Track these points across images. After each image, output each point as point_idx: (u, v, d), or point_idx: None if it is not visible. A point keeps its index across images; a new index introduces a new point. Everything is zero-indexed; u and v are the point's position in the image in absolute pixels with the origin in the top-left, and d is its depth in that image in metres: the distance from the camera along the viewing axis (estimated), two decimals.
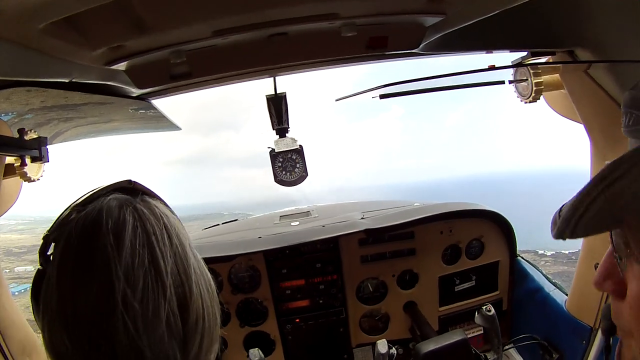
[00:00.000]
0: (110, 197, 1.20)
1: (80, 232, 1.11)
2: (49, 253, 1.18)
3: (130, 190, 1.27)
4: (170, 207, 1.32)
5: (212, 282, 1.29)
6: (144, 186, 1.30)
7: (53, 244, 1.16)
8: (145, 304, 1.05)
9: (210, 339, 1.21)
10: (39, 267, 1.20)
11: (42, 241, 1.19)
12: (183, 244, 1.20)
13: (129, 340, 1.03)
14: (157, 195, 1.31)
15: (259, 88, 2.56)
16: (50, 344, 1.09)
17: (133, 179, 1.31)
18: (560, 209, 1.04)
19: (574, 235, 1.02)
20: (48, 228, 1.21)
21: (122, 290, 1.03)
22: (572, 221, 0.99)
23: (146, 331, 1.04)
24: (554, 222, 1.05)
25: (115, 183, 1.28)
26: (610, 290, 1.10)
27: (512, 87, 2.78)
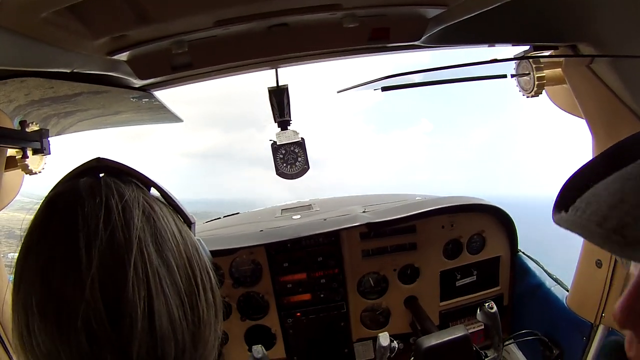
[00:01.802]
0: (69, 182, 1.06)
1: (32, 221, 1.02)
2: None
3: (103, 169, 1.09)
4: (153, 181, 1.13)
5: (200, 278, 1.07)
6: (115, 162, 1.11)
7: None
8: (60, 309, 0.90)
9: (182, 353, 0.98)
10: None
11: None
12: (129, 224, 0.96)
13: (48, 354, 0.91)
14: (132, 171, 1.11)
15: (264, 80, 2.57)
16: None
17: (103, 157, 1.11)
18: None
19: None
20: None
21: (39, 294, 0.93)
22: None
23: (61, 341, 0.90)
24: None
25: (82, 164, 1.11)
26: None
27: (514, 81, 2.78)
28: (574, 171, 0.93)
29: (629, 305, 0.86)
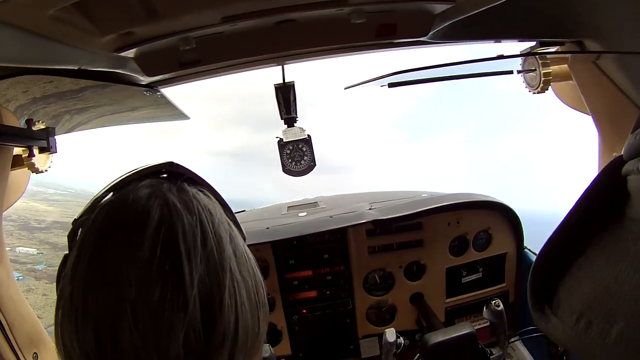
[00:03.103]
0: (144, 183, 1.07)
1: (99, 224, 1.01)
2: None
3: (171, 174, 1.13)
4: (220, 196, 1.17)
5: (261, 290, 1.12)
6: (187, 170, 1.15)
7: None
8: (159, 318, 0.91)
9: (244, 355, 1.04)
10: (66, 252, 1.10)
11: (71, 226, 1.10)
12: (222, 246, 1.01)
13: (136, 355, 0.91)
14: (202, 182, 1.16)
15: (272, 78, 2.59)
16: (60, 340, 1.00)
17: (176, 162, 1.15)
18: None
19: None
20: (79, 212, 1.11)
21: (133, 299, 0.91)
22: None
23: (157, 349, 0.91)
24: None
25: (155, 165, 1.14)
26: None
27: (521, 77, 2.78)
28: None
29: None
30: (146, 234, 0.96)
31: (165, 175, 1.13)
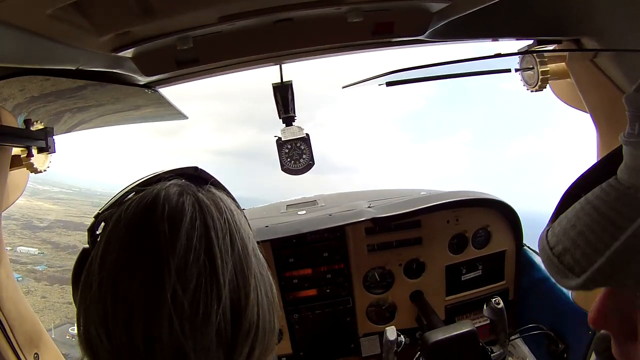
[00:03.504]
0: (172, 182, 1.13)
1: (132, 215, 1.06)
2: (98, 232, 1.15)
3: (195, 178, 1.21)
4: (237, 202, 1.24)
5: (274, 288, 1.20)
6: (210, 175, 1.25)
7: (103, 224, 1.12)
8: (195, 306, 0.97)
9: (262, 349, 1.11)
10: (85, 245, 1.16)
11: (93, 219, 1.16)
12: (246, 245, 1.10)
13: (173, 342, 0.95)
14: (223, 187, 1.24)
15: (270, 77, 2.58)
16: (85, 335, 1.03)
17: (200, 167, 1.25)
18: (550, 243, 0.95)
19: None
20: (102, 206, 1.18)
21: (173, 286, 0.96)
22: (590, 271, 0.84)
23: (194, 335, 0.96)
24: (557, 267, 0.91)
25: (180, 168, 1.22)
26: (617, 331, 0.96)
27: (519, 75, 2.78)
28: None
29: (599, 309, 0.96)
30: (182, 226, 1.02)
31: (189, 178, 1.19)
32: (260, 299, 1.09)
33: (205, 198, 1.09)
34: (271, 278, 1.21)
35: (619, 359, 0.98)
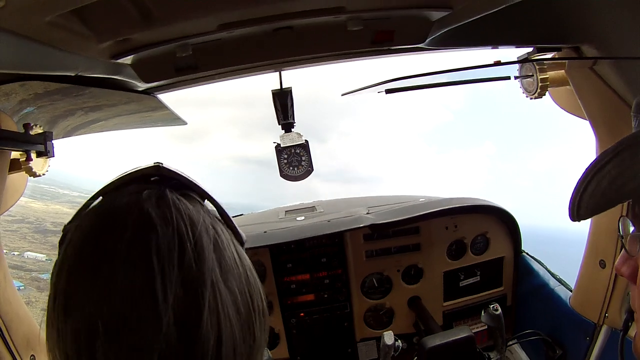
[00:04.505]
0: (129, 188, 1.02)
1: (81, 233, 0.98)
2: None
3: (160, 177, 1.06)
4: (212, 198, 1.10)
5: (256, 295, 1.05)
6: (175, 173, 1.06)
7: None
8: (133, 337, 0.87)
9: None
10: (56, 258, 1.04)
11: (61, 232, 1.05)
12: (202, 257, 0.94)
13: None
14: (191, 184, 1.08)
15: (270, 84, 2.56)
16: (48, 347, 0.99)
17: (163, 164, 1.07)
18: None
19: (579, 217, 1.17)
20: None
21: (107, 316, 0.87)
22: (575, 203, 1.14)
23: None
24: None
25: (141, 169, 1.06)
26: (627, 275, 1.20)
27: (518, 83, 2.78)
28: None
29: (624, 254, 1.23)
30: (120, 248, 0.91)
31: (155, 178, 1.06)
32: (224, 317, 0.94)
33: (152, 209, 0.96)
34: (257, 285, 1.08)
35: (631, 302, 1.24)
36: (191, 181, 1.08)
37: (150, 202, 0.97)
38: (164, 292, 0.88)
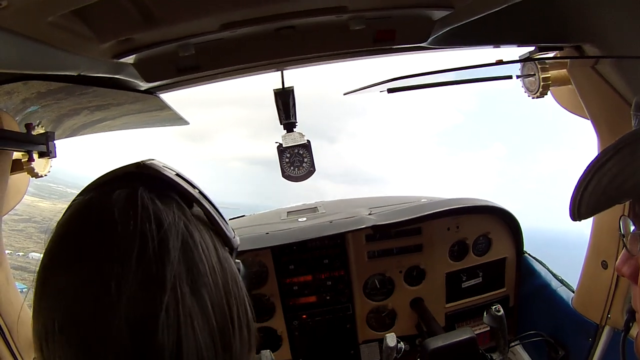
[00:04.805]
0: (103, 187, 0.98)
1: (57, 233, 0.96)
2: None
3: (139, 176, 1.00)
4: (195, 198, 1.03)
5: (234, 301, 1.00)
6: (157, 171, 1.01)
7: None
8: (87, 338, 0.85)
9: None
10: None
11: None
12: (164, 260, 0.88)
13: None
14: (173, 184, 1.01)
15: (272, 83, 2.55)
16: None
17: (153, 162, 1.02)
18: None
19: (580, 215, 1.18)
20: None
21: (62, 314, 0.86)
22: (576, 202, 1.16)
23: None
24: None
25: (122, 168, 1.03)
26: (627, 275, 1.21)
27: (520, 82, 2.78)
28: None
29: (625, 254, 1.23)
30: (80, 246, 0.91)
31: (140, 183, 0.98)
32: (185, 323, 0.88)
33: (118, 210, 0.91)
34: (239, 290, 1.04)
35: (633, 303, 1.25)
36: (175, 182, 1.02)
37: (118, 201, 0.93)
38: (117, 290, 0.84)
